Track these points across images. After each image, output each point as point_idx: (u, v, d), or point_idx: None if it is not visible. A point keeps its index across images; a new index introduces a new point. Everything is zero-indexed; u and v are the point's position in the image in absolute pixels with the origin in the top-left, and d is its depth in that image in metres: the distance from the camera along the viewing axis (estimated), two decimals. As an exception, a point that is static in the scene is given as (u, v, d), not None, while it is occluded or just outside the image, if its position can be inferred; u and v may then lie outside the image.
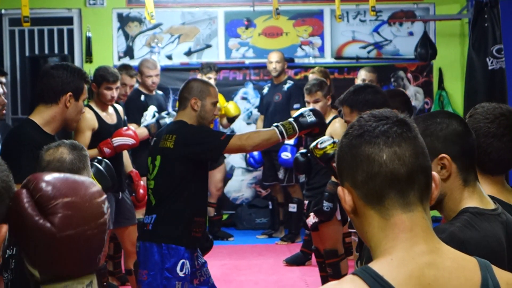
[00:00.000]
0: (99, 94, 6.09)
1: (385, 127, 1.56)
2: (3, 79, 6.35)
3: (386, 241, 1.54)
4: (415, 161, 1.55)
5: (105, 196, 1.53)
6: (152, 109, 7.08)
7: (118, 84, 6.15)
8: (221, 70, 9.54)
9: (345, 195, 1.59)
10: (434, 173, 1.60)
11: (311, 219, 5.74)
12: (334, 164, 2.84)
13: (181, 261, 4.36)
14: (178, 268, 4.34)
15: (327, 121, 6.01)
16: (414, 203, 1.55)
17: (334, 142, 5.15)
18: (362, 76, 7.74)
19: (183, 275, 4.35)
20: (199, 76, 8.30)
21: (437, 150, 2.20)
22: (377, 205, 1.55)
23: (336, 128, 5.86)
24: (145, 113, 7.03)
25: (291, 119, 4.52)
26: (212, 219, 8.69)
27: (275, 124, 4.51)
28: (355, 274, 1.51)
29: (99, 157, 4.05)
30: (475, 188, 2.23)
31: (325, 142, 5.28)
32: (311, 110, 4.57)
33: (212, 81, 8.51)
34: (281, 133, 4.41)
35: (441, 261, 1.53)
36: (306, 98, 6.04)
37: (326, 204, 5.56)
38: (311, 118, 4.49)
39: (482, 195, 2.22)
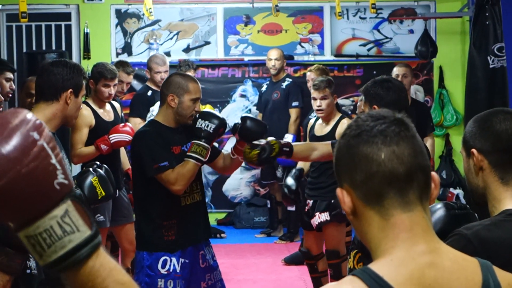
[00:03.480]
0: (97, 91, 6.07)
1: (383, 126, 1.55)
2: (11, 75, 6.31)
3: (386, 241, 1.53)
4: (413, 160, 1.53)
5: (32, 119, 1.36)
6: (158, 104, 7.04)
7: (116, 81, 6.14)
8: (220, 67, 9.52)
9: (344, 196, 1.57)
10: (433, 173, 1.59)
11: (317, 219, 5.69)
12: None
13: (162, 258, 4.25)
14: (159, 265, 4.24)
15: (334, 122, 5.95)
16: (413, 202, 1.53)
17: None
18: (395, 72, 7.16)
19: (165, 272, 4.24)
20: None
21: None
22: (377, 205, 1.54)
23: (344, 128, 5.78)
24: (151, 108, 7.00)
25: (194, 141, 4.21)
26: None
27: (186, 155, 4.22)
28: (355, 275, 1.50)
29: (98, 162, 3.99)
30: None
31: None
32: (200, 117, 4.25)
33: None
34: (196, 159, 4.19)
35: (441, 261, 1.52)
36: (314, 94, 5.96)
37: None
38: (210, 126, 4.22)
39: None
